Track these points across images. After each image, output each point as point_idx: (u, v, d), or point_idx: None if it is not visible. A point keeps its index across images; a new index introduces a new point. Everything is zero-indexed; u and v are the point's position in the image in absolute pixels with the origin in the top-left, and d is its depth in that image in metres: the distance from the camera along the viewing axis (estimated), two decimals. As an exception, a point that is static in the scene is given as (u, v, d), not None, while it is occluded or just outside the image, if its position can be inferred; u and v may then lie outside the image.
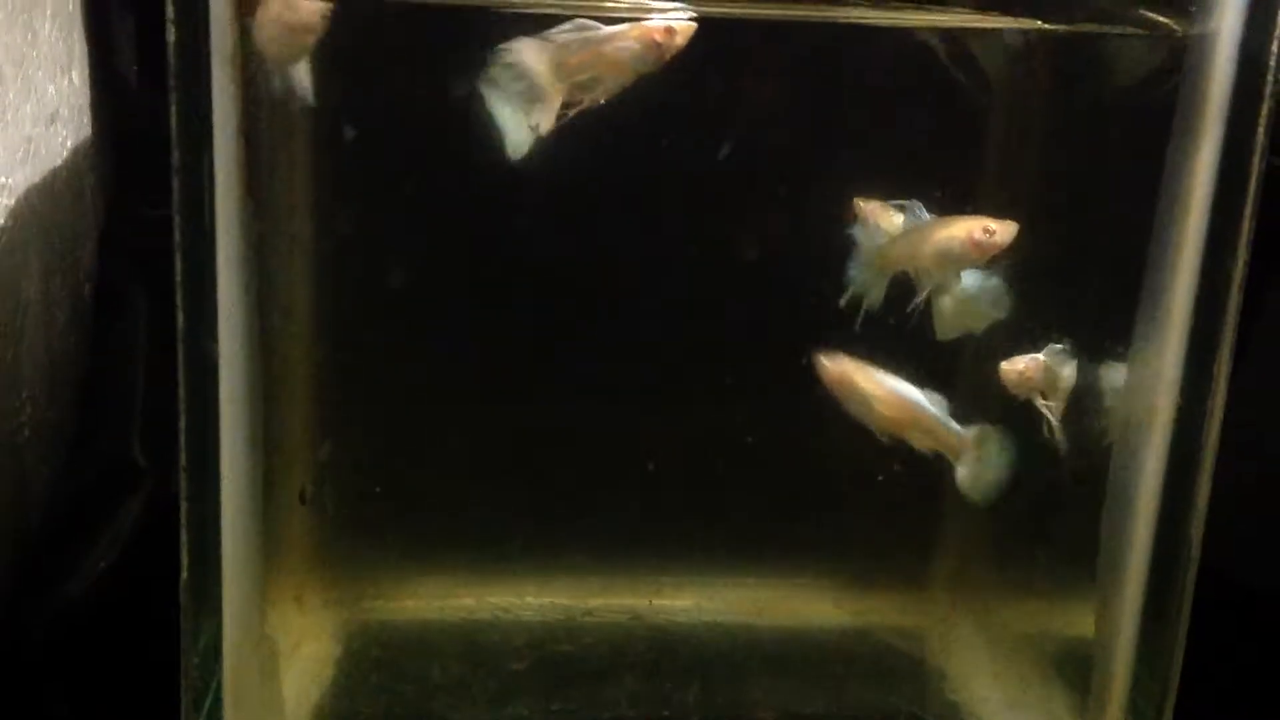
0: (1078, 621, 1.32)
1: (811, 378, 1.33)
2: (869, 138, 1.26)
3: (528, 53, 1.07)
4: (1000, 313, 1.21)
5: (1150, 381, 1.17)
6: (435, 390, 1.34)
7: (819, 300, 1.26)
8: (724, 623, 1.42)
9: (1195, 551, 1.19)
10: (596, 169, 1.23)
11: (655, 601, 1.42)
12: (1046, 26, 1.11)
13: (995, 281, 1.20)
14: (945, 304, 1.19)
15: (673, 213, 1.31)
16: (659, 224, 1.31)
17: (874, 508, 1.40)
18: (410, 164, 1.25)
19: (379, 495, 1.35)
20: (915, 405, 1.20)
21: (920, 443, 1.22)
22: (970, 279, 1.19)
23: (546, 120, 1.08)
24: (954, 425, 1.21)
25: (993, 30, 1.19)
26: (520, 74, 1.07)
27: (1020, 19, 1.10)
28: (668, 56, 1.07)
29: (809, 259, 1.29)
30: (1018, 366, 1.21)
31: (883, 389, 1.21)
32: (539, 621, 1.39)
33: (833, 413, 1.35)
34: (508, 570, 1.40)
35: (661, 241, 1.31)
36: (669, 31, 1.06)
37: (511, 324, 1.33)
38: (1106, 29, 1.11)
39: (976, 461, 1.22)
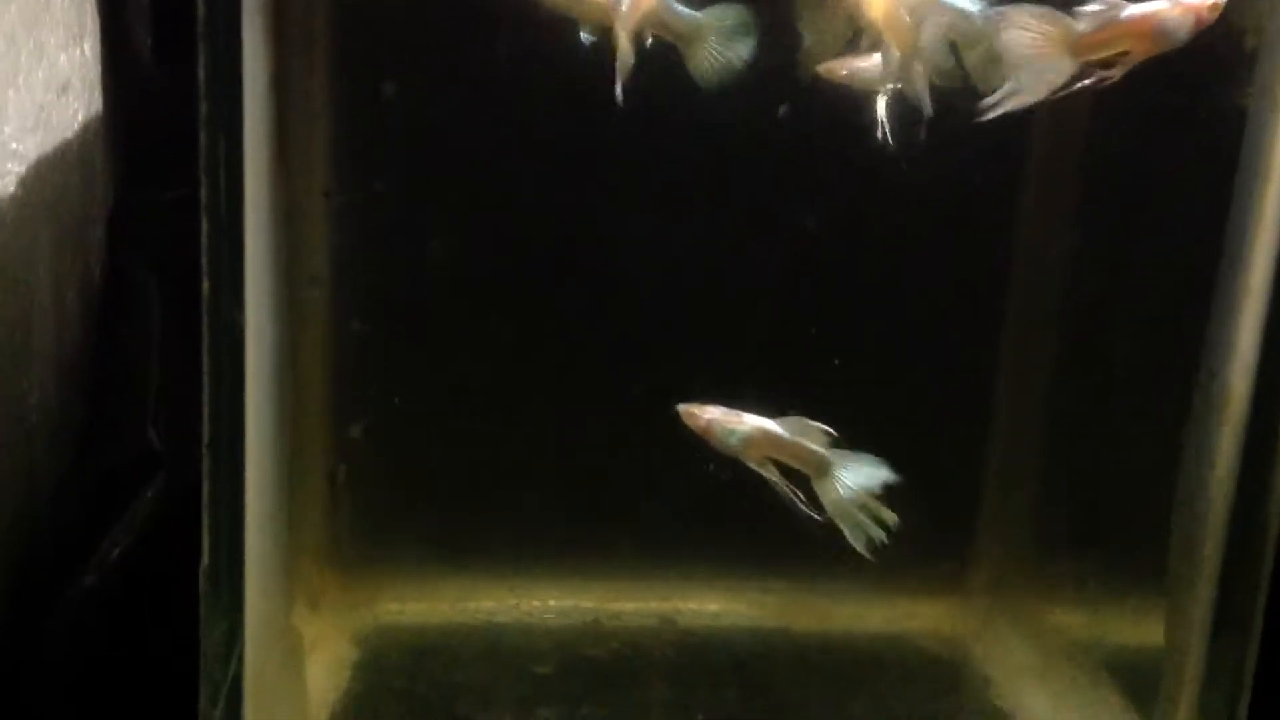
0: (1125, 624, 1.31)
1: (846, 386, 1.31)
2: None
3: (1031, 21, 1.02)
4: None
5: (1226, 363, 1.13)
6: (462, 389, 1.33)
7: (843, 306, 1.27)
8: (753, 627, 1.41)
9: (1271, 550, 1.15)
10: (646, 163, 1.22)
11: (683, 605, 1.40)
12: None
13: None
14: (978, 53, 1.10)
15: (721, 207, 1.29)
16: (704, 219, 1.30)
17: (908, 509, 1.38)
18: (453, 125, 1.23)
19: (402, 495, 1.35)
20: None
21: None
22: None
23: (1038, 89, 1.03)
24: None
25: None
26: (1031, 45, 1.02)
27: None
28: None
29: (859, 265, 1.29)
30: None
31: None
32: (564, 625, 1.38)
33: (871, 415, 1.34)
34: (533, 573, 1.39)
35: (701, 239, 1.29)
36: (1214, 8, 1.02)
37: (544, 321, 1.32)
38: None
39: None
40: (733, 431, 1.14)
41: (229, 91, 0.99)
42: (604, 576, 1.39)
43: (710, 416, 1.14)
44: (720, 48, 1.08)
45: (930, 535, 1.40)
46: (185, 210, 1.05)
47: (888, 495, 1.35)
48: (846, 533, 1.14)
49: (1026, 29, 1.01)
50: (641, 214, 1.28)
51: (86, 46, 1.41)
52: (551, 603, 1.39)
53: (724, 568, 1.40)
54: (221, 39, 0.98)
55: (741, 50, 1.08)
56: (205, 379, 1.04)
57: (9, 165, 1.22)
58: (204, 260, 1.02)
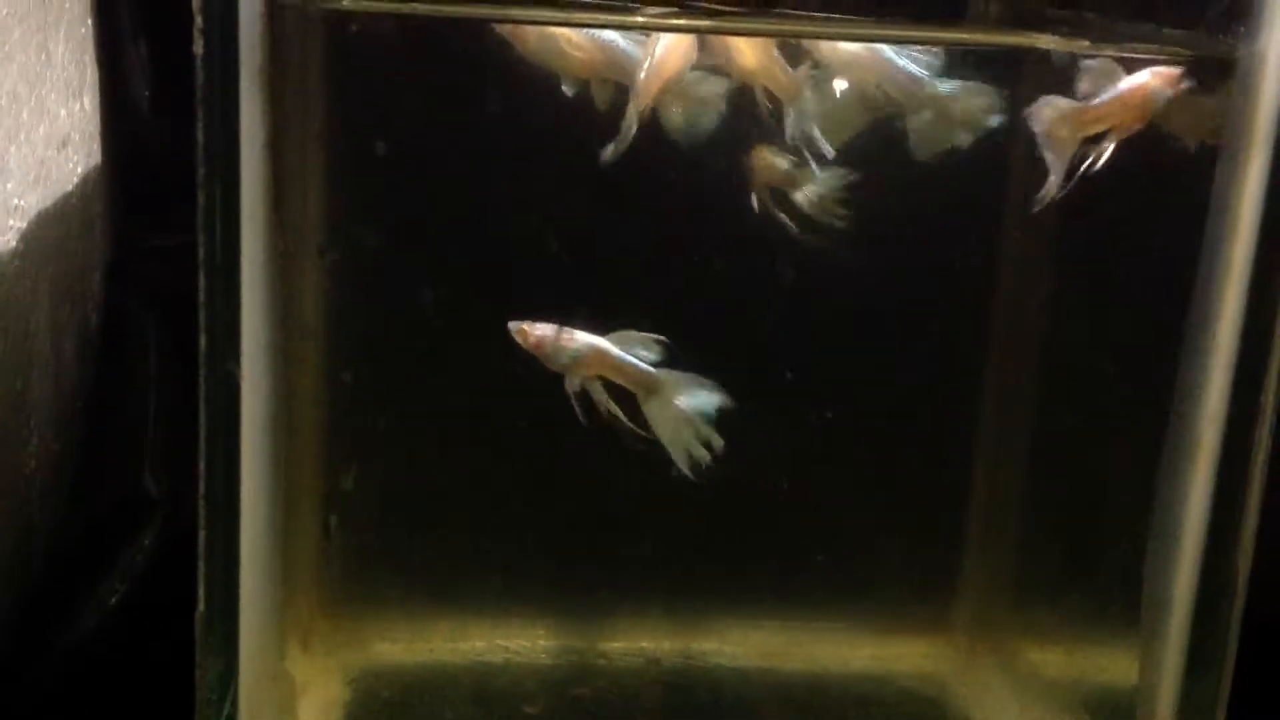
0: (1103, 663, 1.32)
1: (834, 430, 1.32)
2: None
3: (1047, 111, 1.11)
4: (990, 119, 1.17)
5: (1196, 415, 1.15)
6: (451, 438, 1.33)
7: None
8: (738, 667, 1.40)
9: (1242, 588, 1.17)
10: (635, 215, 1.23)
11: (670, 645, 1.40)
12: (1094, 50, 1.10)
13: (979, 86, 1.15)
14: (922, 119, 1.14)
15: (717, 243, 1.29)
16: (706, 282, 1.30)
17: (894, 551, 1.39)
18: (440, 182, 1.23)
19: (392, 540, 1.34)
20: None
21: None
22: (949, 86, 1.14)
23: (1059, 170, 1.11)
24: None
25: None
26: (1040, 129, 1.11)
27: (1068, 39, 1.09)
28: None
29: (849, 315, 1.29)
30: None
31: None
32: (552, 665, 1.38)
33: (855, 456, 1.35)
34: (521, 615, 1.39)
35: (705, 303, 1.29)
36: (1183, 76, 1.10)
37: (532, 372, 1.27)
38: (1155, 50, 1.11)
39: None
40: (563, 349, 1.13)
41: (226, 154, 1.01)
42: (591, 617, 1.39)
43: (541, 333, 1.13)
44: (695, 104, 1.12)
45: (914, 576, 1.42)
46: (183, 258, 1.06)
47: (875, 535, 1.38)
48: (672, 453, 1.14)
49: (1042, 115, 1.07)
50: (636, 267, 1.28)
51: (86, 100, 1.42)
52: (539, 643, 1.39)
53: (709, 609, 1.40)
54: (219, 103, 1.00)
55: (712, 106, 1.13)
56: (202, 430, 1.05)
57: (10, 221, 1.23)
58: (201, 315, 1.03)
